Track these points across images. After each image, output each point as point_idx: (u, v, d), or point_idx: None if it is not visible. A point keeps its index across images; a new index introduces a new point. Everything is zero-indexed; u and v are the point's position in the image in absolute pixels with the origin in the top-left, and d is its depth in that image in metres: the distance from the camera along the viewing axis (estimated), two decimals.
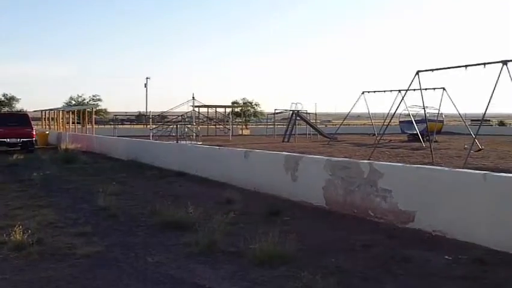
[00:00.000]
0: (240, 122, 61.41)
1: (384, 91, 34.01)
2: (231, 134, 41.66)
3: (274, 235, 6.57)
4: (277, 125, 50.54)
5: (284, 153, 13.02)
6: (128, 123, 72.01)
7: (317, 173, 10.21)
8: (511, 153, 24.07)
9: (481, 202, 7.15)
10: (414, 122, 32.58)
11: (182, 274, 5.99)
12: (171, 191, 12.31)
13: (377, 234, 7.75)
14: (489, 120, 73.83)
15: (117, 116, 71.71)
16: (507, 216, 6.79)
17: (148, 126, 47.57)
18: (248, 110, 68.09)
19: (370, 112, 38.21)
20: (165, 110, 54.82)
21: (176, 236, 7.65)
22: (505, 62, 17.29)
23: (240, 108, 64.87)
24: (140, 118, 77.90)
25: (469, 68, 18.80)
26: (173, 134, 35.78)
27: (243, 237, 7.10)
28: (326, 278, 5.39)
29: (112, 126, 52.30)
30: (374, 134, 35.33)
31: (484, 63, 18.07)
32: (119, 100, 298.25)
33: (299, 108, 42.02)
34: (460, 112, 28.77)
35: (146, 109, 78.47)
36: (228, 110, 53.93)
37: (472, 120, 51.63)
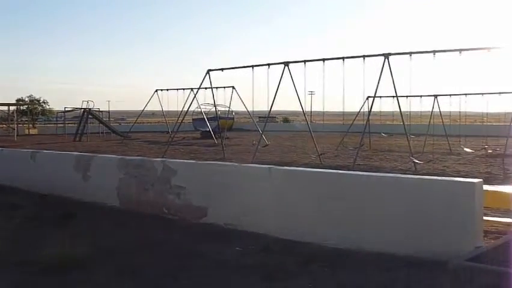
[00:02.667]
0: (27, 121, 57.33)
1: (177, 89, 34.55)
2: (16, 134, 38.79)
3: (66, 239, 6.29)
4: (68, 123, 48.40)
5: (75, 153, 12.51)
6: None
7: (110, 173, 9.98)
8: (293, 147, 26.09)
9: (267, 194, 7.63)
10: (206, 120, 33.60)
11: None
12: None
13: (171, 231, 7.83)
14: (275, 117, 79.04)
15: None
16: (289, 207, 7.35)
17: None
18: (36, 108, 64.09)
19: (164, 110, 38.48)
20: None
21: None
22: (286, 64, 18.68)
23: (27, 106, 60.78)
24: None
25: (255, 68, 19.96)
26: None
27: (32, 244, 6.66)
28: (121, 279, 5.31)
29: None
30: (168, 132, 35.66)
31: (268, 64, 19.32)
32: None
33: (91, 106, 40.78)
34: (249, 109, 30.29)
35: None
36: (12, 108, 50.06)
37: (259, 118, 54.79)
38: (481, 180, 6.24)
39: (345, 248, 6.47)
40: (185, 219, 8.47)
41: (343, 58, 17.82)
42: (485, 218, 6.54)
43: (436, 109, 26.63)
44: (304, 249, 6.54)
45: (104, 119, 42.74)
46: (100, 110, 44.45)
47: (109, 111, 49.63)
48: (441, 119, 27.54)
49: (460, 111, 28.34)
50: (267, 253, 6.53)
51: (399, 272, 5.54)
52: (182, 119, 26.85)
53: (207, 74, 21.75)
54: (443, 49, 16.21)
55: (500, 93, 24.90)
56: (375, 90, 17.72)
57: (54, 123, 52.56)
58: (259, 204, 7.65)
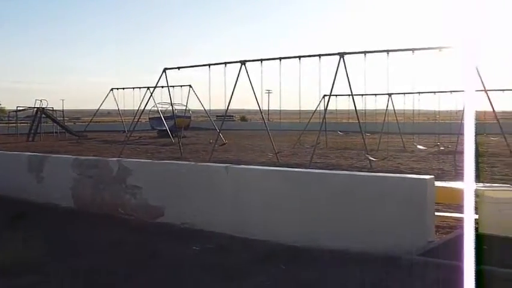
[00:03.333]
0: None
1: (133, 88, 34.21)
2: None
3: (18, 240, 6.15)
4: (21, 123, 47.26)
5: (27, 153, 12.22)
6: None
7: (64, 173, 9.78)
8: (250, 146, 26.15)
9: (223, 192, 7.62)
10: (163, 119, 33.35)
11: None
12: None
13: (127, 231, 7.72)
14: (232, 116, 79.03)
15: None
16: (245, 205, 7.35)
17: None
18: None
19: (120, 109, 38.02)
20: None
21: None
22: (243, 62, 18.70)
23: None
24: None
25: (212, 66, 19.92)
26: None
27: None
28: (75, 281, 5.21)
29: None
30: (124, 131, 35.23)
31: (225, 63, 19.32)
32: None
33: (44, 105, 39.91)
34: (206, 108, 30.21)
35: None
36: None
37: (217, 116, 54.63)
38: (433, 176, 6.39)
39: (301, 246, 6.51)
40: (142, 219, 8.38)
41: (299, 57, 17.98)
42: (437, 213, 6.70)
43: (390, 107, 27.21)
44: (261, 247, 6.55)
45: (59, 118, 41.92)
46: (54, 109, 43.61)
47: (63, 110, 48.66)
48: (396, 117, 28.09)
49: (413, 110, 28.97)
50: (224, 252, 6.52)
51: (354, 267, 5.61)
52: (139, 118, 26.60)
53: (164, 73, 21.59)
54: (396, 48, 16.55)
55: (451, 91, 25.56)
56: (331, 89, 17.94)
57: (6, 123, 51.22)
58: (216, 203, 7.64)
